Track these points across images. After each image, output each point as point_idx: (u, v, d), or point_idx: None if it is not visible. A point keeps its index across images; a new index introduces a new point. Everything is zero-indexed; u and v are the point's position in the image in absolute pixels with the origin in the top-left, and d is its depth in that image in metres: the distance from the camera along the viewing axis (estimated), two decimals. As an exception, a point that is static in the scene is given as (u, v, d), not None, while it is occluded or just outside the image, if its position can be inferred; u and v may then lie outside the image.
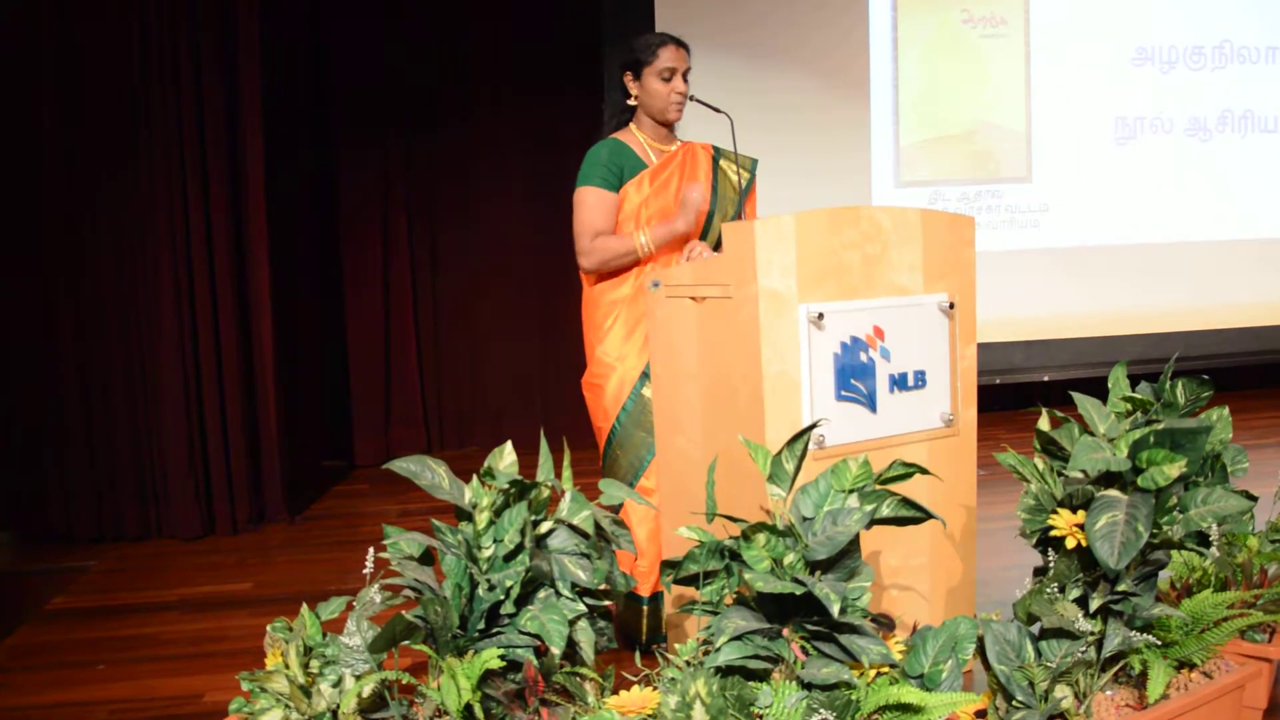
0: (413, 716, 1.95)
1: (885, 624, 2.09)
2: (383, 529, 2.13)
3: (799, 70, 5.90)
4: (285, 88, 5.14)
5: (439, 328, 6.09)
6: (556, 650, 1.95)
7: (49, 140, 4.35)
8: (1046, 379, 6.31)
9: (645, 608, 2.89)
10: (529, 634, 1.98)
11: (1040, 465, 2.20)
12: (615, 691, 1.98)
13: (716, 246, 2.90)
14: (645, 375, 2.83)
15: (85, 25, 4.32)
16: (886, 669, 1.91)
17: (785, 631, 1.90)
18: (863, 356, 2.33)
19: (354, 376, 5.98)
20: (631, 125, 2.97)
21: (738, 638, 1.88)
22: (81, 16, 4.31)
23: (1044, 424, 2.25)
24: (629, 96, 2.94)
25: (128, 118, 4.35)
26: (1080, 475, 2.10)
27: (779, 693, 1.82)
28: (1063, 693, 2.02)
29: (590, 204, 2.86)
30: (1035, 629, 2.07)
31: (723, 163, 3.01)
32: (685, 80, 2.90)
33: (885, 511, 1.95)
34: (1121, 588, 2.05)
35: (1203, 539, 2.24)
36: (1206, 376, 2.36)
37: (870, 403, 2.35)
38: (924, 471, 2.03)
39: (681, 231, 2.80)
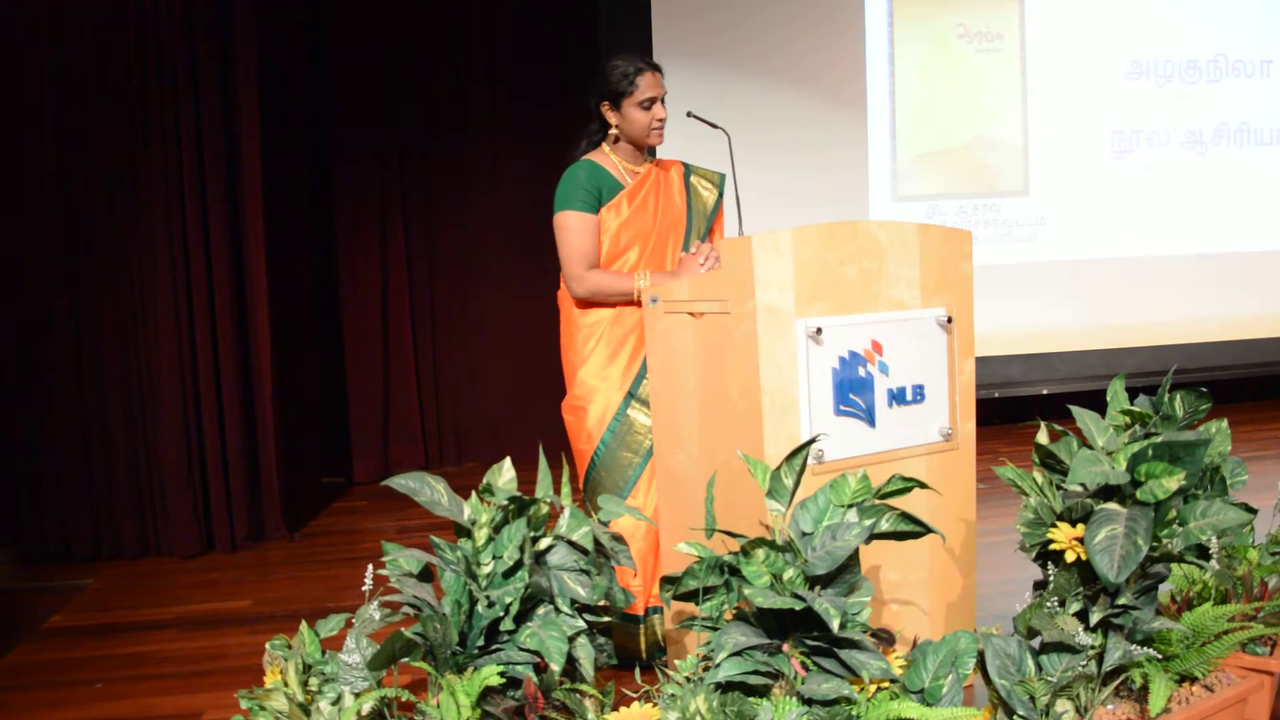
0: (412, 734, 1.95)
1: (885, 639, 2.08)
2: (382, 546, 2.13)
3: (795, 85, 5.91)
4: (283, 101, 5.15)
5: (437, 343, 6.09)
6: (556, 667, 1.94)
7: (46, 158, 4.35)
8: (1045, 392, 6.31)
9: (640, 626, 2.88)
10: (528, 650, 1.98)
11: (1039, 479, 2.20)
12: (615, 708, 1.98)
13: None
14: (630, 396, 2.83)
15: (83, 37, 4.33)
16: (887, 684, 1.91)
17: (785, 647, 1.90)
18: (861, 371, 2.33)
19: (352, 393, 5.97)
20: (605, 146, 2.96)
21: (737, 653, 1.88)
22: (80, 28, 4.32)
23: (1042, 437, 2.25)
24: (606, 126, 2.93)
25: (125, 133, 4.36)
26: (1079, 489, 2.10)
27: (779, 708, 1.82)
28: (1064, 707, 2.01)
29: (575, 229, 2.87)
30: (1036, 643, 2.07)
31: (694, 180, 3.03)
32: (663, 105, 2.90)
33: (884, 526, 1.95)
34: (1122, 601, 2.05)
35: (1202, 552, 2.24)
36: (1205, 389, 2.37)
37: (869, 417, 2.35)
38: (923, 486, 2.03)
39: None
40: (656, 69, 2.90)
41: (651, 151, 3.02)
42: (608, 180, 2.91)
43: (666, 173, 3.00)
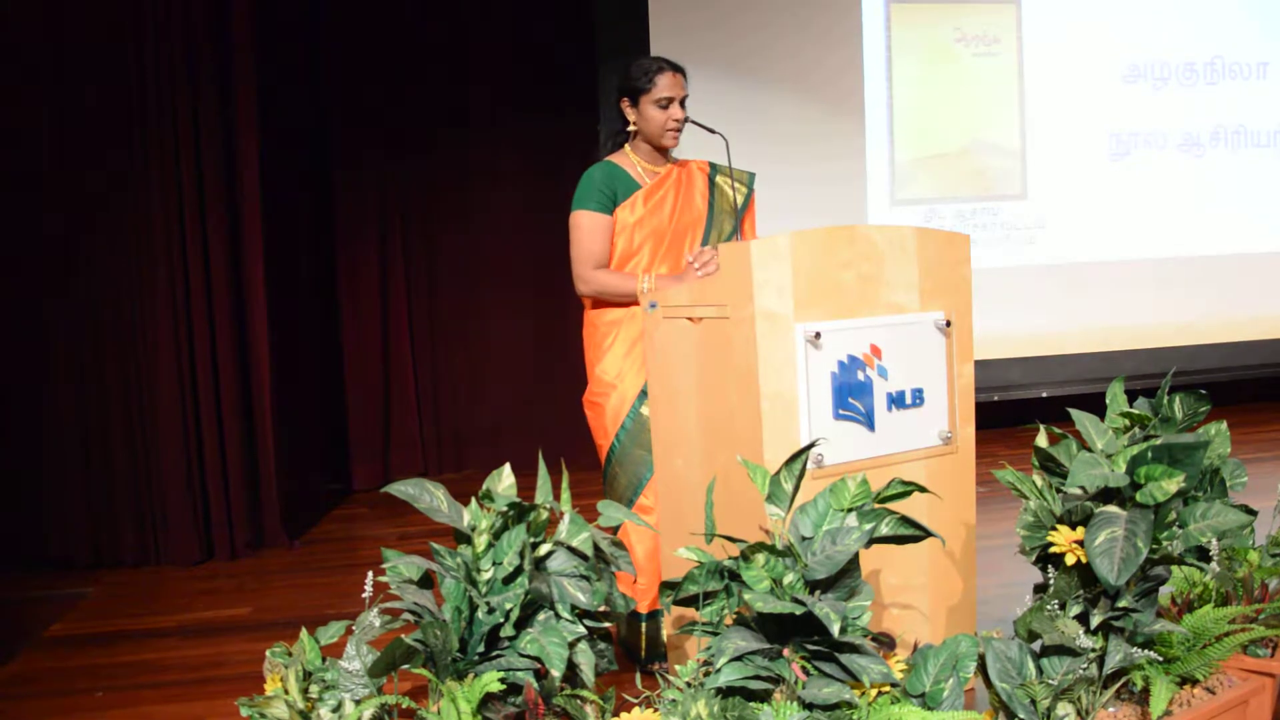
0: (413, 741, 1.94)
1: (886, 643, 2.08)
2: (381, 553, 2.13)
3: (793, 89, 5.92)
4: (282, 106, 5.15)
5: (436, 351, 6.09)
6: (556, 673, 1.94)
7: (45, 164, 4.36)
8: (1044, 395, 6.31)
9: (644, 625, 2.89)
10: (529, 656, 1.97)
11: (1039, 482, 2.19)
12: (616, 713, 1.98)
13: None
14: (644, 394, 2.84)
15: (81, 40, 4.34)
16: (888, 688, 1.91)
17: (786, 651, 1.89)
18: (860, 375, 2.33)
19: (351, 400, 5.98)
20: (627, 147, 2.99)
21: (738, 658, 1.88)
22: (77, 31, 4.33)
23: (1042, 440, 2.25)
24: (626, 123, 2.95)
25: (122, 139, 4.36)
26: (1079, 491, 2.10)
27: (780, 713, 1.82)
28: (1065, 710, 2.01)
29: (586, 228, 2.88)
30: (1036, 646, 2.07)
31: (719, 179, 3.02)
32: (683, 107, 2.90)
33: (884, 530, 1.95)
34: (1122, 604, 2.05)
35: (1203, 554, 2.24)
36: (1204, 391, 2.37)
37: (868, 421, 2.35)
38: (923, 490, 2.03)
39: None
40: (679, 70, 2.91)
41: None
42: (624, 180, 2.92)
43: (690, 173, 3.00)
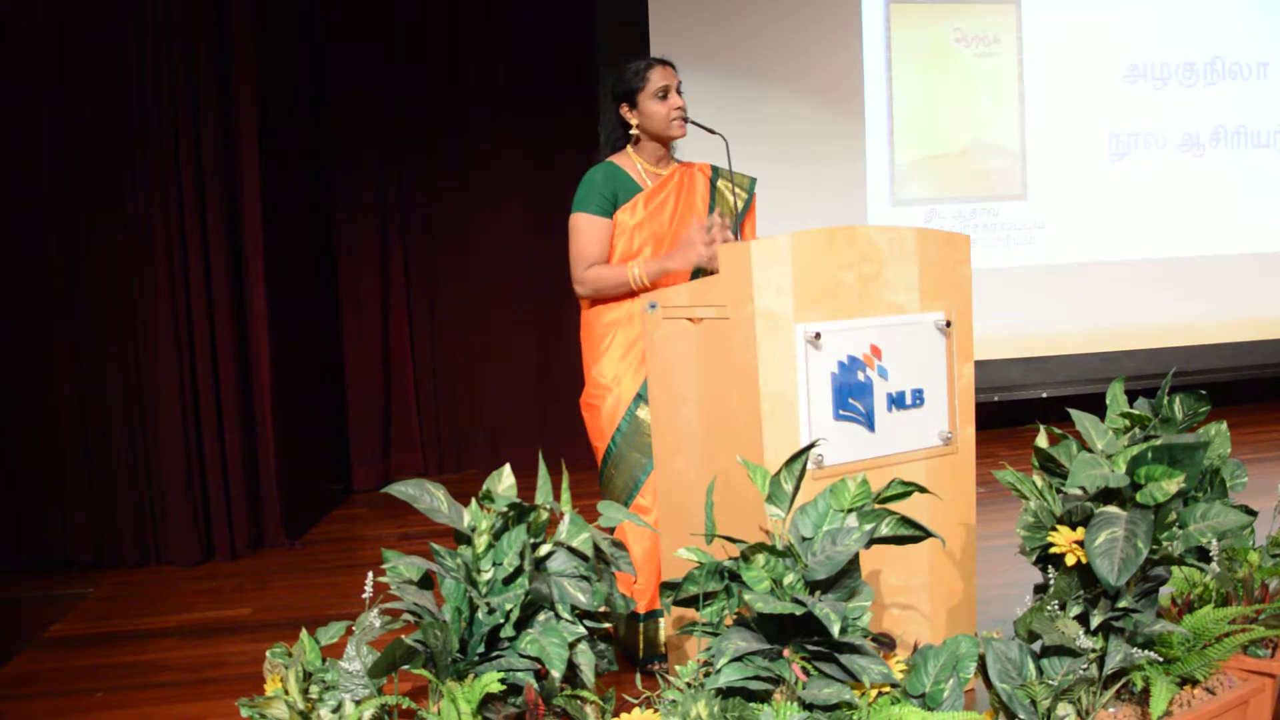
0: (413, 742, 1.94)
1: (886, 643, 2.08)
2: (382, 553, 2.13)
3: (793, 90, 5.93)
4: (282, 108, 5.15)
5: (436, 351, 6.09)
6: (557, 673, 1.94)
7: (46, 164, 4.36)
8: (1044, 395, 6.31)
9: (641, 625, 2.89)
10: (529, 657, 1.97)
11: (1039, 482, 2.20)
12: (616, 714, 1.97)
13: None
14: (640, 397, 2.84)
15: (81, 43, 4.34)
16: (888, 689, 1.91)
17: (786, 652, 1.89)
18: (860, 375, 2.33)
19: (352, 400, 5.98)
20: (629, 148, 2.98)
21: (738, 659, 1.88)
22: (78, 34, 4.33)
23: (1042, 441, 2.25)
24: (628, 128, 2.95)
25: (123, 141, 4.36)
26: (1079, 492, 2.10)
27: (780, 713, 1.82)
28: (1065, 711, 2.01)
29: (584, 230, 2.88)
30: (1036, 647, 2.07)
31: (720, 183, 3.01)
32: (680, 94, 2.91)
33: (884, 530, 1.95)
34: (1122, 604, 2.05)
35: (1203, 554, 2.24)
36: (1204, 391, 2.37)
37: (868, 422, 2.35)
38: (923, 490, 2.03)
39: (673, 270, 2.79)
40: (667, 63, 2.93)
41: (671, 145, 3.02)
42: (625, 182, 2.91)
43: (692, 176, 3.00)
